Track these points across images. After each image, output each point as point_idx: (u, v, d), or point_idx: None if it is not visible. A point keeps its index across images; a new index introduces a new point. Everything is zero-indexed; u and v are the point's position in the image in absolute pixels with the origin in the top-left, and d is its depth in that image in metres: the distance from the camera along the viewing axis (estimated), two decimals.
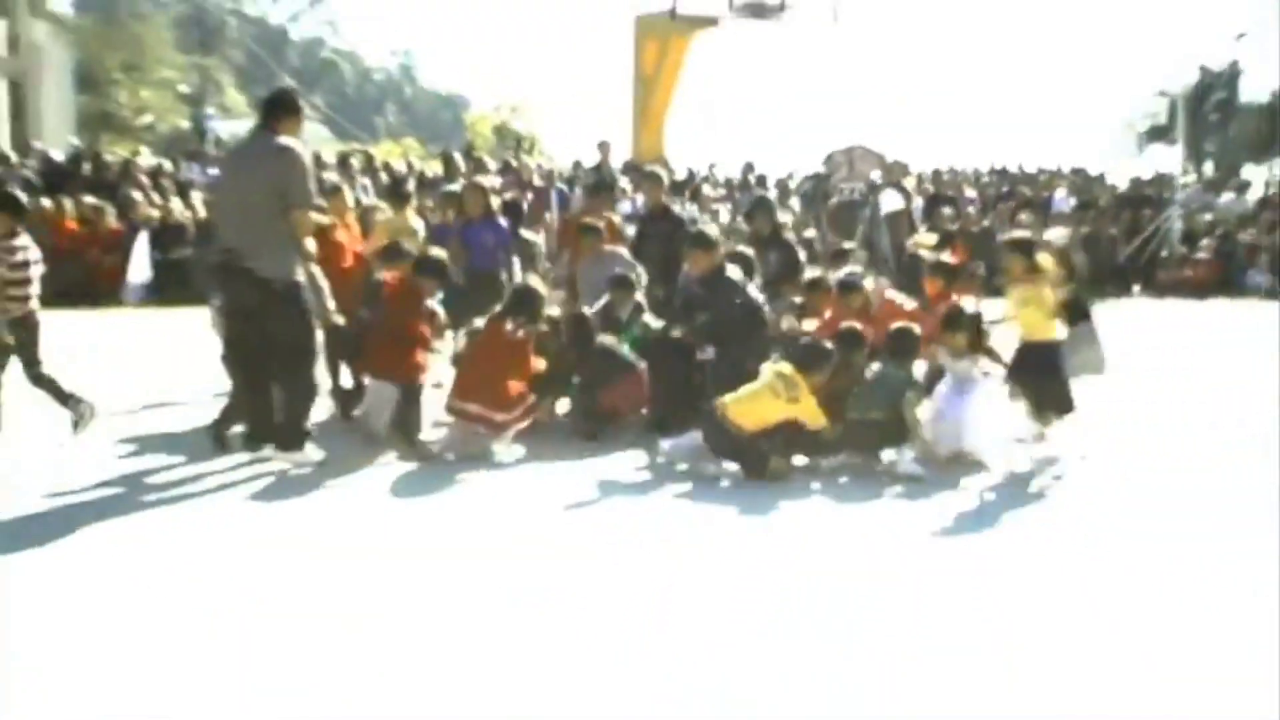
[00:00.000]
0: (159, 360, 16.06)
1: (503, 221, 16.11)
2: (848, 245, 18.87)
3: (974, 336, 12.39)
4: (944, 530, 10.19)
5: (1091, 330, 13.36)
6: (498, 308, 12.89)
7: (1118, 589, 8.69)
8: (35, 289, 12.73)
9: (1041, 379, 11.63)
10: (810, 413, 11.65)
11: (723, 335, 13.08)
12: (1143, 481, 11.80)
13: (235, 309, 11.93)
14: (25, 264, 12.66)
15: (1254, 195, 38.63)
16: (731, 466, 11.73)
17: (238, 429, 12.37)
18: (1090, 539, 9.94)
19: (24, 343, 12.64)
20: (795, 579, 8.79)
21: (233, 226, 11.70)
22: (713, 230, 14.28)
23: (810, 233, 22.58)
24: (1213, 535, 10.01)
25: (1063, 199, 34.84)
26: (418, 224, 15.56)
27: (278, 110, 11.93)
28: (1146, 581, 8.88)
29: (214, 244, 12.11)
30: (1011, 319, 11.91)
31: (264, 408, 11.98)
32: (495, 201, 16.28)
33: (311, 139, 67.79)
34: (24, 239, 12.87)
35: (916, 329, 12.49)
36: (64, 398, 12.88)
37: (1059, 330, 12.25)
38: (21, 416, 13.09)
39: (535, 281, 13.61)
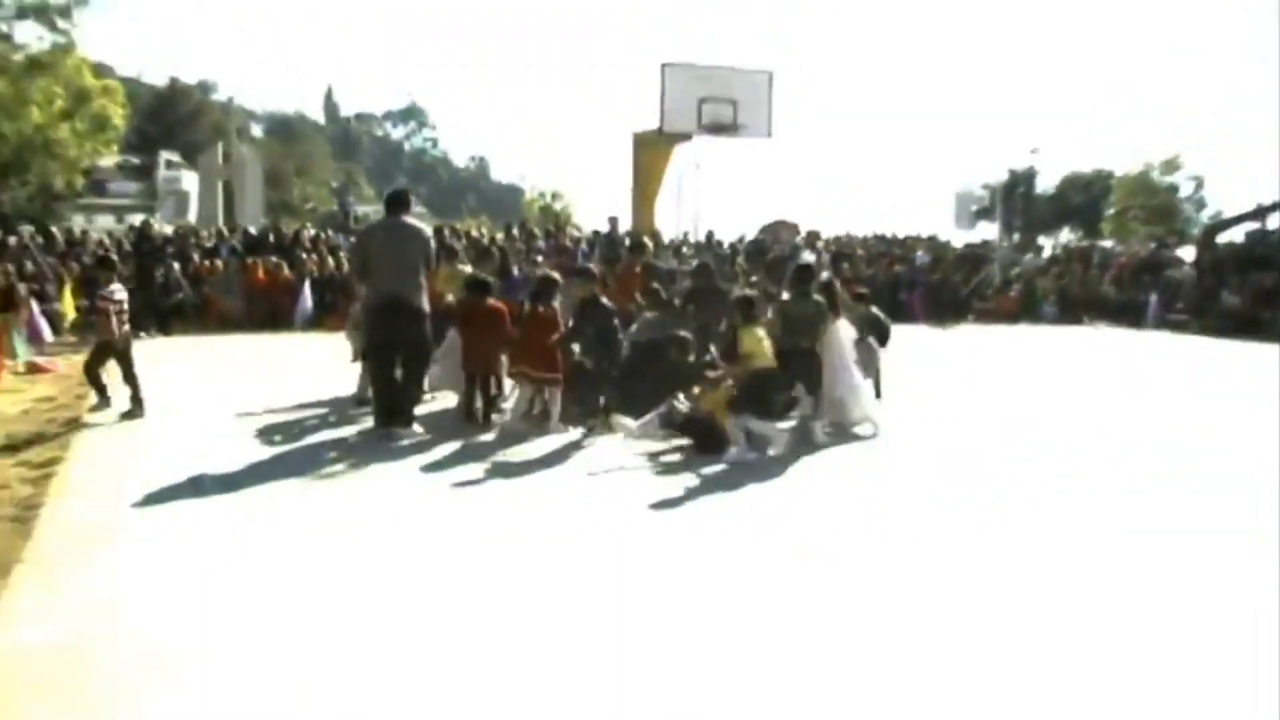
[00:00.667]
0: (316, 368, 15.77)
1: (516, 272, 16.66)
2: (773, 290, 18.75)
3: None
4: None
5: (870, 349, 13.35)
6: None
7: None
8: (125, 319, 13.14)
9: (764, 391, 11.31)
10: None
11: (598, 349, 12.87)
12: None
13: (388, 329, 12.07)
14: (120, 301, 13.02)
15: (1045, 255, 38.53)
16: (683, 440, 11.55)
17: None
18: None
19: (122, 353, 13.06)
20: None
21: (396, 276, 12.02)
22: (594, 267, 14.79)
23: (755, 279, 22.50)
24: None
25: (922, 255, 34.62)
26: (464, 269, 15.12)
27: (402, 201, 13.02)
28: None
29: (377, 287, 12.14)
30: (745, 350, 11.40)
31: (390, 398, 12.08)
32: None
33: (417, 219, 69.16)
34: (117, 285, 13.23)
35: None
36: (138, 399, 13.00)
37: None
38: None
39: (550, 271, 13.86)
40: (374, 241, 12.61)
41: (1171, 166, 58.40)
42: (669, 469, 10.56)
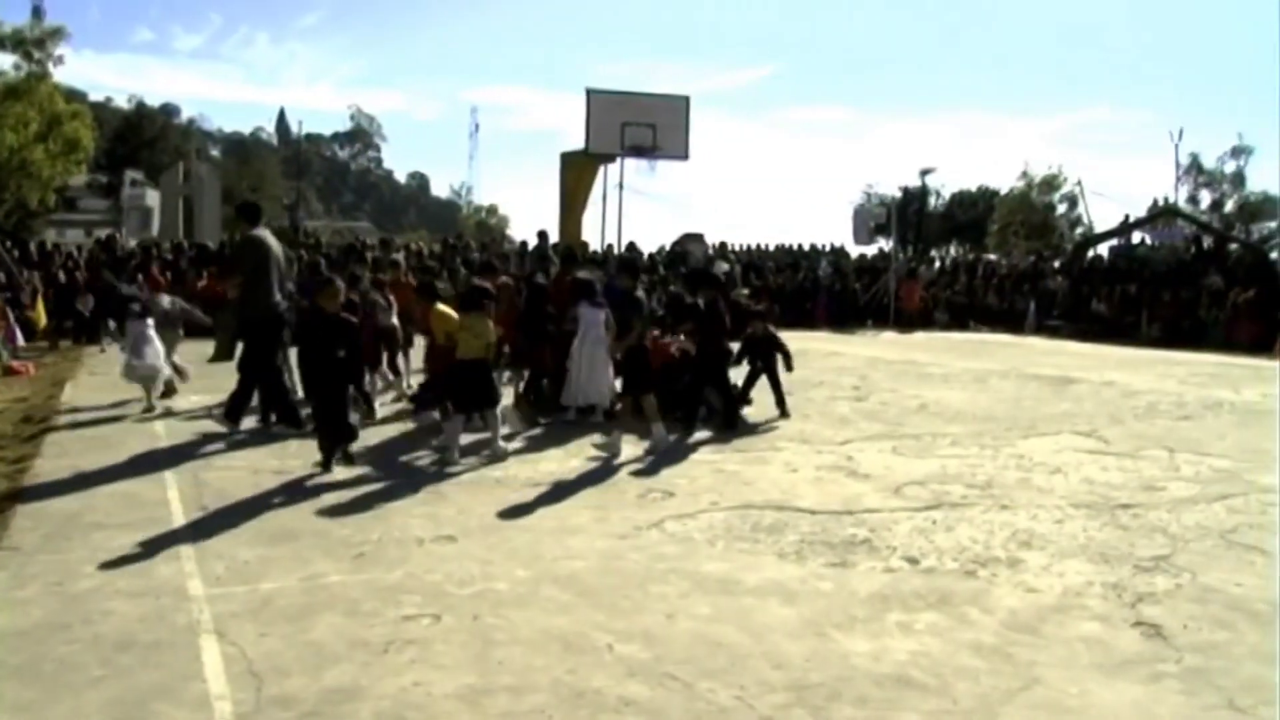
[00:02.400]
0: None
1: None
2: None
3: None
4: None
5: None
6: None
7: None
8: None
9: (472, 382, 10.62)
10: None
11: None
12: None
13: (278, 340, 11.83)
14: None
15: (936, 266, 38.82)
16: None
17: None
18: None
19: None
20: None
21: (280, 289, 11.88)
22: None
23: (674, 288, 22.50)
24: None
25: (825, 266, 34.73)
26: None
27: (261, 213, 12.94)
28: None
29: (270, 298, 11.71)
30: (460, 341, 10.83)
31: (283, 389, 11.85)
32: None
33: (361, 231, 69.02)
34: None
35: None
36: None
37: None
38: None
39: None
40: (268, 252, 11.90)
41: (1050, 186, 59.07)
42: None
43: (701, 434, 11.96)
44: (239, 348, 12.38)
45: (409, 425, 12.33)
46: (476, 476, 9.70)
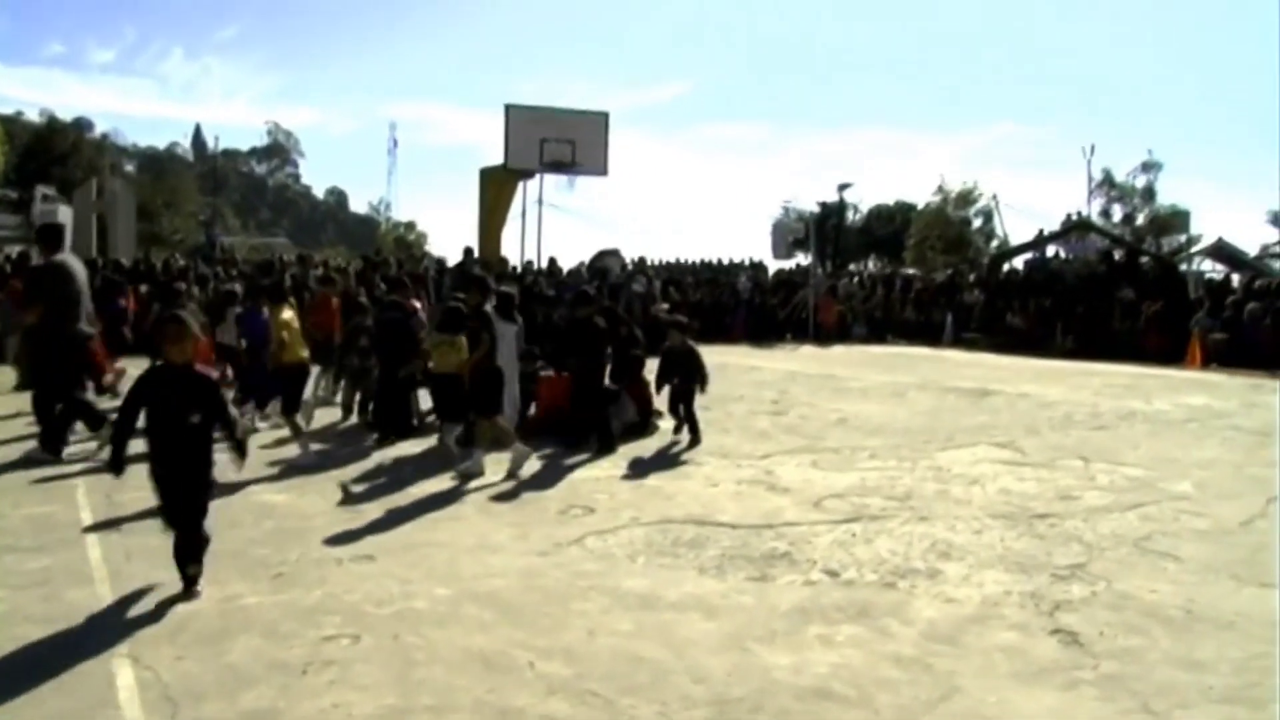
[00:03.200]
0: None
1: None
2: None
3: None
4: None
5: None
6: None
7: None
8: None
9: (449, 394, 11.34)
10: None
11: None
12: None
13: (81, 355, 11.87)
14: None
15: (855, 280, 39.05)
16: None
17: None
18: None
19: None
20: None
21: (86, 317, 11.80)
22: None
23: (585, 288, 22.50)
24: None
25: (745, 280, 34.80)
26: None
27: (62, 236, 12.59)
28: None
29: (76, 325, 11.56)
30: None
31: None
32: None
33: (278, 248, 68.39)
34: None
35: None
36: None
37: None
38: None
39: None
40: (71, 278, 11.62)
41: (965, 200, 59.74)
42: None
43: (622, 448, 12.00)
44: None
45: (326, 445, 12.20)
46: (395, 494, 9.64)
